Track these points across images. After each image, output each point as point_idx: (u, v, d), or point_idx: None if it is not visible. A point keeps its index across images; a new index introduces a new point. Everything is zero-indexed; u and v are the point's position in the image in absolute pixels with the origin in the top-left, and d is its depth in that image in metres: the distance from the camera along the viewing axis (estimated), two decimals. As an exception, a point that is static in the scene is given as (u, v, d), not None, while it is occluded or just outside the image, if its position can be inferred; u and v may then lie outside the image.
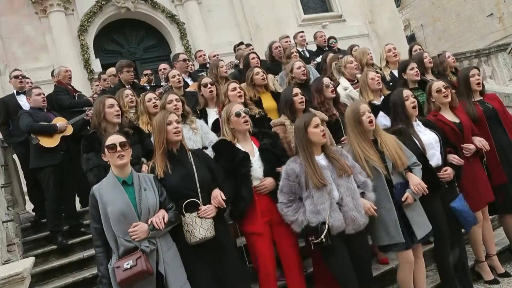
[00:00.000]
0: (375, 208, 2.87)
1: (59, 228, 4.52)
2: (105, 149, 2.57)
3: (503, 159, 3.61)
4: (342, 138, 3.58)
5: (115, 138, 2.59)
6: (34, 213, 5.15)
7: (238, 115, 3.05)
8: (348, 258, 2.79)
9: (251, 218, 2.98)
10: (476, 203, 3.38)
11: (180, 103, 3.50)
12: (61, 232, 4.51)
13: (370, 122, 3.03)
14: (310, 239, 2.70)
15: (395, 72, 4.62)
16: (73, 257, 4.24)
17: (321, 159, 2.89)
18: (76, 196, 5.15)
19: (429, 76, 4.38)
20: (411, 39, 17.86)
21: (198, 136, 3.49)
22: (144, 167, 2.98)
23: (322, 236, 2.64)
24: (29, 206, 5.41)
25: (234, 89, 3.72)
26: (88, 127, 4.88)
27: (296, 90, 3.46)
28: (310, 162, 2.79)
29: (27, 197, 5.47)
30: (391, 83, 4.45)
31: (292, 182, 2.81)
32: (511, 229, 3.75)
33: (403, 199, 2.94)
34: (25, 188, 5.44)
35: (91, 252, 4.07)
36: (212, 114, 3.95)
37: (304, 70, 4.31)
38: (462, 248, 3.38)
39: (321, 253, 2.80)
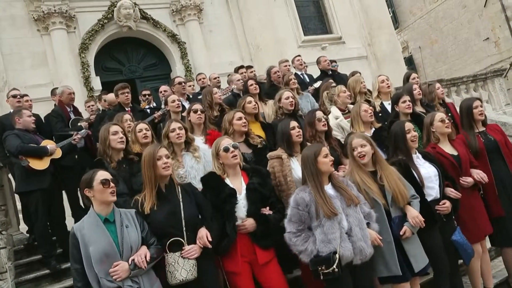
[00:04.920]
0: (381, 238, 2.86)
1: (52, 253, 4.44)
2: (97, 185, 2.47)
3: (502, 192, 3.61)
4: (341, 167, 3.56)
5: (106, 174, 2.53)
6: (28, 235, 5.08)
7: (226, 150, 3.02)
8: None
9: (231, 257, 2.94)
10: (474, 236, 3.39)
11: (183, 131, 3.47)
12: (54, 256, 4.43)
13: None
14: (320, 268, 2.65)
15: (385, 104, 4.65)
16: (66, 283, 4.17)
17: (329, 189, 2.87)
18: (72, 217, 5.09)
19: (418, 108, 4.39)
20: (409, 61, 18.07)
21: (200, 164, 3.45)
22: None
23: (334, 266, 2.61)
24: (23, 227, 5.33)
25: (240, 118, 3.70)
26: (76, 150, 4.91)
27: (293, 123, 3.43)
28: (320, 191, 2.78)
29: (21, 215, 5.39)
30: (380, 114, 4.45)
31: (302, 211, 2.77)
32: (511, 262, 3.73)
33: (401, 232, 2.96)
34: (19, 207, 5.33)
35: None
36: (198, 142, 3.82)
37: (292, 101, 4.29)
38: (459, 280, 3.37)
39: (327, 284, 2.75)
